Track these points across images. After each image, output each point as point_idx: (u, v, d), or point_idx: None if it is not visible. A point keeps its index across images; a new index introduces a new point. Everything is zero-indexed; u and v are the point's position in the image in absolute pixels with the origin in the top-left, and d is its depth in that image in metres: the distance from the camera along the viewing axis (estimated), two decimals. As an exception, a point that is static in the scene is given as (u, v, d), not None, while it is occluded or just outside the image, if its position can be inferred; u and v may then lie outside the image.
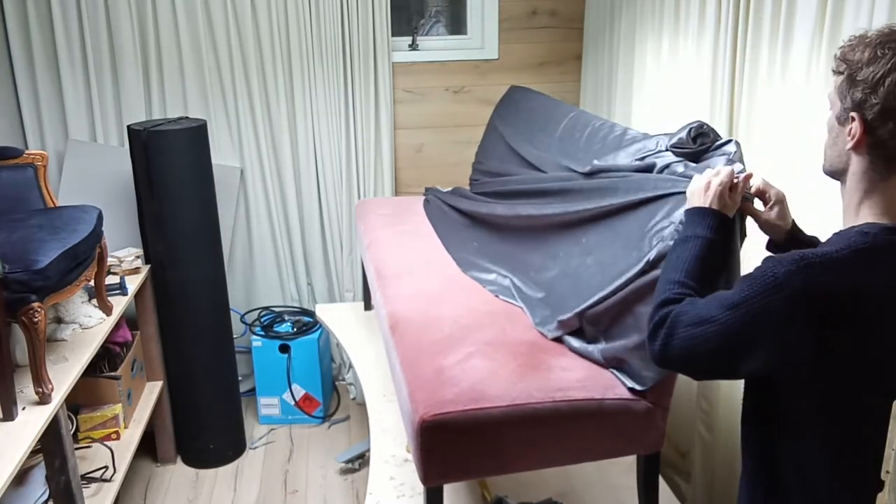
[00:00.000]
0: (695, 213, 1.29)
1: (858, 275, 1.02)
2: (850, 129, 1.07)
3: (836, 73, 1.10)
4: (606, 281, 1.61)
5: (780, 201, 1.38)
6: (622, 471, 2.03)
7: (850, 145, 1.08)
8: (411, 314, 1.85)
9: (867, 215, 1.08)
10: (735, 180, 1.31)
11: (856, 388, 1.05)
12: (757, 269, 1.07)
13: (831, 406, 1.07)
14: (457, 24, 3.30)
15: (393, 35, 3.05)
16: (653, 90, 2.46)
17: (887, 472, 0.83)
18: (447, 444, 1.46)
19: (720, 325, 1.07)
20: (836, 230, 1.12)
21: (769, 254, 1.16)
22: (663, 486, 1.87)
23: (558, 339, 1.70)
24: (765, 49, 1.86)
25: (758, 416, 1.18)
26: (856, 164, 1.09)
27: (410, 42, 3.18)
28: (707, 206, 1.28)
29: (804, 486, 1.12)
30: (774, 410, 1.13)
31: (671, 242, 1.40)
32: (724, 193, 1.29)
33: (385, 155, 3.15)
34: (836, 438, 1.08)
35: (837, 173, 1.14)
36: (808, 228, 1.41)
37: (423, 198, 2.87)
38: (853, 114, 1.06)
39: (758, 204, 1.40)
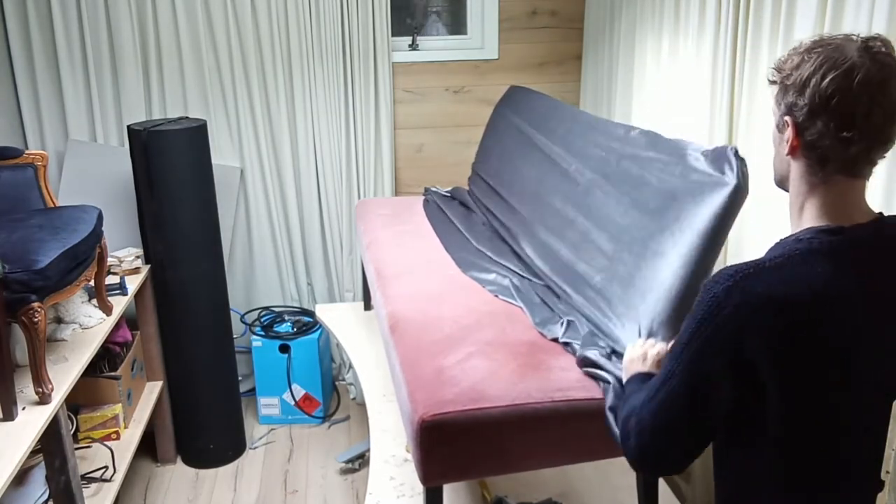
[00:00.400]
0: (637, 381, 1.29)
1: (795, 280, 1.01)
2: (786, 135, 1.07)
3: (771, 82, 1.11)
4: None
5: None
6: (622, 471, 2.02)
7: (786, 150, 1.08)
8: (411, 314, 1.85)
9: (808, 219, 1.08)
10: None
11: (820, 392, 1.03)
12: (696, 302, 1.06)
13: (800, 425, 1.04)
14: (457, 24, 3.30)
15: (393, 35, 3.05)
16: (653, 90, 2.46)
17: (887, 472, 0.83)
18: (447, 444, 1.46)
19: (679, 372, 1.07)
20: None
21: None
22: (663, 486, 1.87)
23: (556, 340, 1.70)
24: (765, 49, 1.86)
25: (728, 459, 1.16)
26: (794, 170, 1.09)
27: (410, 42, 3.18)
28: (647, 371, 1.30)
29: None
30: (746, 444, 1.11)
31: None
32: (662, 361, 1.28)
33: (385, 155, 3.15)
34: (807, 453, 1.06)
35: (783, 181, 1.14)
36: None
37: (423, 198, 2.88)
38: (786, 118, 1.06)
39: None
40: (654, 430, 1.11)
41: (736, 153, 1.49)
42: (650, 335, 1.47)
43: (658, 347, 1.33)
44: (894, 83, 1.00)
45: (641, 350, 1.35)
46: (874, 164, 1.05)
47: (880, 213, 1.08)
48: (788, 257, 1.03)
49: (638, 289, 1.55)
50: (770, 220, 1.83)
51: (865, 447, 1.02)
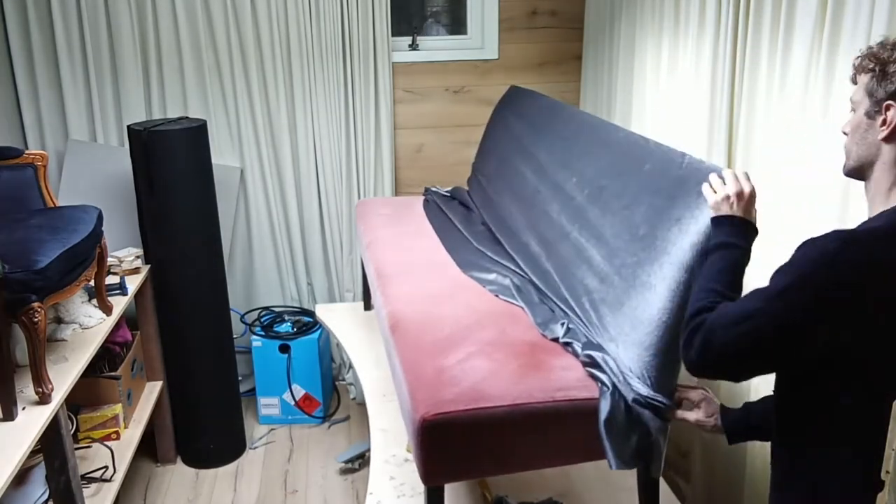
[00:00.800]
0: (727, 223, 1.31)
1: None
2: (886, 119, 1.10)
3: (863, 72, 1.15)
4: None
5: (705, 399, 1.47)
6: (622, 471, 2.02)
7: (884, 134, 1.11)
8: (411, 314, 1.85)
9: None
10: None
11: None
12: (795, 256, 1.08)
13: (869, 401, 1.07)
14: (457, 25, 3.30)
15: (393, 35, 3.05)
16: (653, 90, 2.46)
17: (887, 472, 0.83)
18: (447, 443, 1.46)
19: (770, 316, 1.08)
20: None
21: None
22: (663, 486, 1.87)
23: (556, 340, 1.70)
24: (765, 49, 1.86)
25: (792, 424, 1.18)
26: (887, 154, 1.12)
27: (410, 42, 3.18)
28: (740, 215, 1.31)
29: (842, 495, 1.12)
30: (811, 416, 1.13)
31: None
32: (750, 206, 1.33)
33: (385, 155, 3.15)
34: (870, 442, 1.07)
35: (864, 168, 1.16)
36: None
37: (423, 198, 2.87)
38: (888, 102, 1.10)
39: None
40: (721, 351, 1.12)
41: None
42: (643, 364, 1.47)
43: (746, 189, 1.33)
44: None
45: (725, 192, 1.34)
46: None
47: None
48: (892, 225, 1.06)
49: (628, 317, 1.54)
50: (772, 221, 1.83)
51: None
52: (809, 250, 1.07)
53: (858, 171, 1.18)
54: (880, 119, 1.11)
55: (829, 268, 1.04)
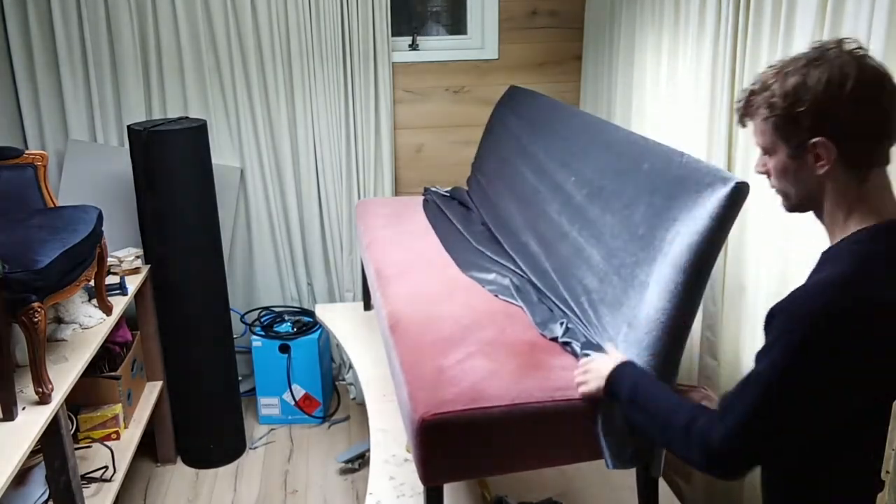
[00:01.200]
0: (616, 377, 1.38)
1: (876, 283, 1.02)
2: (818, 155, 1.08)
3: (758, 118, 1.13)
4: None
5: (705, 398, 1.47)
6: (622, 471, 2.02)
7: (823, 170, 1.08)
8: (411, 314, 1.85)
9: (855, 223, 1.09)
10: None
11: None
12: (780, 327, 1.05)
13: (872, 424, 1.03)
14: (457, 24, 3.30)
15: (393, 35, 3.05)
16: (653, 90, 2.46)
17: (887, 472, 0.83)
18: (447, 443, 1.45)
19: (779, 391, 1.03)
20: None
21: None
22: (663, 486, 1.87)
23: (556, 339, 1.70)
24: (765, 49, 1.86)
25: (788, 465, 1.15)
26: (831, 186, 1.10)
27: (410, 42, 3.18)
28: (614, 365, 1.40)
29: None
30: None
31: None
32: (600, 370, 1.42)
33: (385, 155, 3.15)
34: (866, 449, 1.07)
35: (809, 203, 1.14)
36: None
37: (423, 198, 2.87)
38: (813, 141, 1.07)
39: None
40: (750, 437, 1.07)
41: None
42: (642, 364, 1.45)
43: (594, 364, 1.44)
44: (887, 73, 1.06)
45: (584, 378, 1.44)
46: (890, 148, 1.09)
47: None
48: (866, 261, 1.04)
49: (626, 317, 1.53)
50: (772, 222, 1.83)
51: None
52: (788, 319, 1.03)
53: (803, 208, 1.16)
54: (810, 157, 1.09)
55: (817, 334, 1.00)
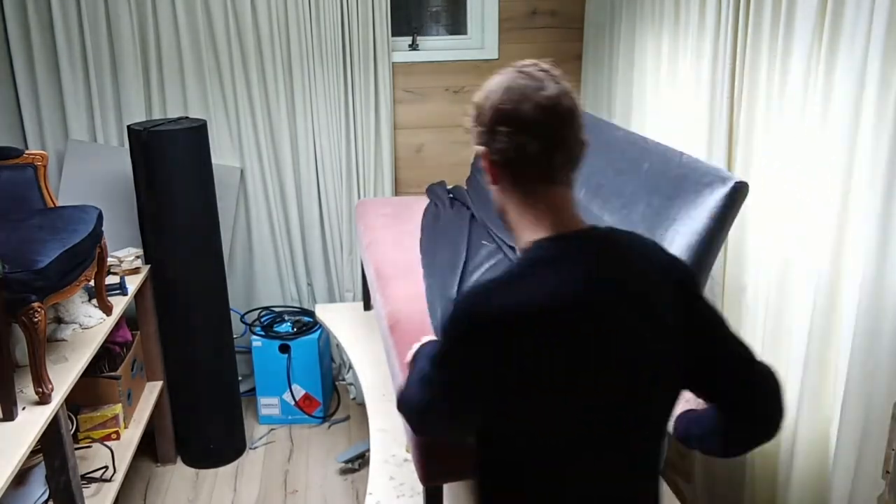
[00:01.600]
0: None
1: (520, 294, 1.01)
2: (485, 167, 1.11)
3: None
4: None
5: None
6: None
7: (489, 181, 1.11)
8: (411, 314, 1.85)
9: (528, 234, 1.08)
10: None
11: (550, 408, 1.02)
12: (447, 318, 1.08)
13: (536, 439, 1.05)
14: (457, 24, 3.30)
15: (393, 35, 3.05)
16: (653, 90, 2.46)
17: (887, 472, 0.83)
18: (447, 443, 1.45)
19: (439, 381, 1.09)
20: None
21: None
22: (663, 487, 1.86)
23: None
24: (765, 49, 1.85)
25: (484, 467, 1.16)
26: (508, 198, 1.11)
27: (410, 42, 3.18)
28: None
29: None
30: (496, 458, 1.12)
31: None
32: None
33: (385, 155, 3.15)
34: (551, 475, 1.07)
35: (504, 215, 1.14)
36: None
37: (427, 199, 2.86)
38: (479, 150, 1.11)
39: None
40: (423, 415, 1.15)
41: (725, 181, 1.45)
42: None
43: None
44: (537, 86, 1.14)
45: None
46: (565, 167, 1.09)
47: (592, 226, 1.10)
48: (516, 271, 1.05)
49: None
50: (772, 223, 1.83)
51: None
52: (450, 314, 1.06)
53: (504, 219, 1.15)
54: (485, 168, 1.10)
55: (461, 332, 1.03)
